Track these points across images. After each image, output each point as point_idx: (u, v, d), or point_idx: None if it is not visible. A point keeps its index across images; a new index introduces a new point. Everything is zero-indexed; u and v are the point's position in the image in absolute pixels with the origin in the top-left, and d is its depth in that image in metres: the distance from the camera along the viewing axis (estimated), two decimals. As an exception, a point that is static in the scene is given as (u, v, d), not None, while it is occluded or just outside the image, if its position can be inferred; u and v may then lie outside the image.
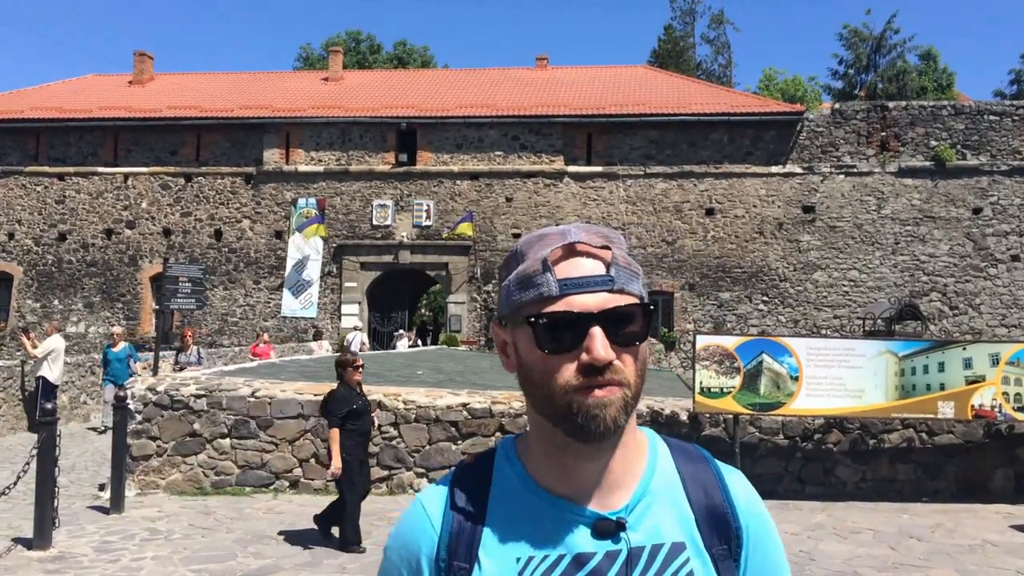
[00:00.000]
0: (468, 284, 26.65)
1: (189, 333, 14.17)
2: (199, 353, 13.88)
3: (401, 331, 26.54)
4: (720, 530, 1.11)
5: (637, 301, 1.07)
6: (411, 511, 1.15)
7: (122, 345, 14.88)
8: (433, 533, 1.10)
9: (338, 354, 21.27)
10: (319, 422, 9.05)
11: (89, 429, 14.85)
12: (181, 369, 12.82)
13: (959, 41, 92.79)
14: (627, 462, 1.12)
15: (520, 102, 27.99)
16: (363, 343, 23.22)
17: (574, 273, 1.06)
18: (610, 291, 1.05)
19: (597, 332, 1.03)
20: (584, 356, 1.03)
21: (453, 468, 1.20)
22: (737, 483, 1.17)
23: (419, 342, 27.94)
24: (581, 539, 1.07)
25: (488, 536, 1.08)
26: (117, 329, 15.93)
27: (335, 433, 6.84)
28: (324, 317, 26.91)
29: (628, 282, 1.07)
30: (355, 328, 24.21)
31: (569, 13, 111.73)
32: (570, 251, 1.07)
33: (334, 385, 7.40)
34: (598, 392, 1.03)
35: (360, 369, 7.27)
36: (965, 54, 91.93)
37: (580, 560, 1.06)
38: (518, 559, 1.07)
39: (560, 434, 1.07)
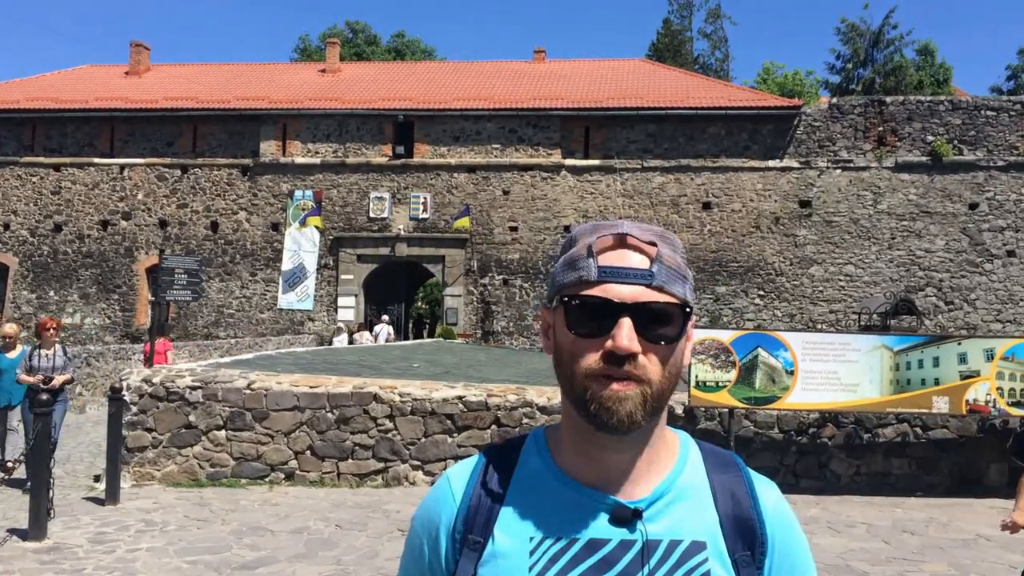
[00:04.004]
0: (465, 277, 26.63)
1: (52, 325, 9.45)
2: (65, 353, 9.46)
3: (385, 317, 24.40)
4: (745, 537, 1.11)
5: (676, 302, 1.08)
6: (437, 484, 1.20)
7: (21, 349, 9.61)
8: (453, 506, 1.14)
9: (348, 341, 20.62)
10: (315, 414, 9.04)
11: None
12: (48, 380, 8.88)
13: (956, 36, 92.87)
14: (654, 460, 1.13)
15: (517, 95, 27.94)
16: (389, 335, 23.15)
17: (615, 263, 1.07)
18: (648, 286, 1.06)
19: (625, 322, 1.04)
20: (608, 343, 1.04)
21: (483, 449, 1.23)
22: (767, 493, 1.17)
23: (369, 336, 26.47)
24: (597, 525, 1.09)
25: (506, 515, 1.11)
26: (9, 328, 10.03)
27: None
28: (320, 309, 26.90)
29: (670, 282, 1.08)
30: (382, 320, 24.02)
31: (567, 6, 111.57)
32: (619, 242, 1.09)
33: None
34: (615, 385, 1.04)
35: None
36: (962, 49, 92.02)
37: (593, 545, 1.07)
38: (531, 539, 1.09)
39: (583, 421, 1.09)
